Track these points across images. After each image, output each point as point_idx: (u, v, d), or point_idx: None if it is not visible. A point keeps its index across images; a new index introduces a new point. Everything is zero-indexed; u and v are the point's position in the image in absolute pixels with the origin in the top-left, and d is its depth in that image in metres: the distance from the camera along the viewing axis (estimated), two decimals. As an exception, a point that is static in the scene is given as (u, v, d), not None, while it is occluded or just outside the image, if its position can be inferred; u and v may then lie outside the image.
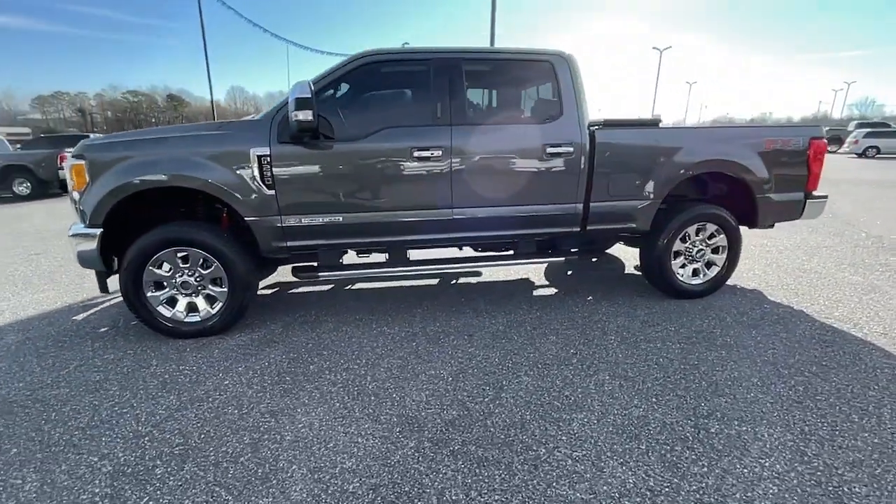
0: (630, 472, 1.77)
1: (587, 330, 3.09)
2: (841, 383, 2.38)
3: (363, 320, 3.29)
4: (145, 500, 1.66)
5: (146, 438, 2.01)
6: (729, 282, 3.98)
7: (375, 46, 3.28)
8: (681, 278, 3.59)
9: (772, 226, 3.87)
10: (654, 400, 2.26)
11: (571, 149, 3.13)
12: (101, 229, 2.77)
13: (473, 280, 4.20)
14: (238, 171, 2.80)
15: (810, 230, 6.02)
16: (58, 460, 1.87)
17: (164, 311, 2.93)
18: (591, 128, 3.22)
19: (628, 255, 4.87)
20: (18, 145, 13.09)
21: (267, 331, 3.13)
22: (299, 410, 2.21)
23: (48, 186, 11.29)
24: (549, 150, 3.11)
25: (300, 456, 1.89)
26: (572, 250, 3.64)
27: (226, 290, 2.97)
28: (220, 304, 2.99)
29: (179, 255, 2.88)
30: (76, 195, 2.81)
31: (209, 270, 2.93)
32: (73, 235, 2.81)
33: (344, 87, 3.13)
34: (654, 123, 3.45)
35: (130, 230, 2.92)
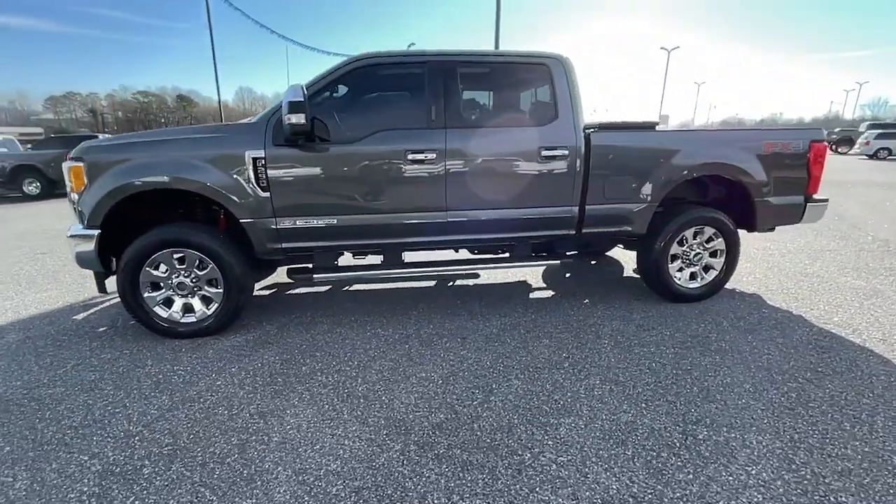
0: (614, 478, 1.76)
1: (581, 333, 3.08)
2: (835, 390, 2.35)
3: (358, 322, 3.31)
4: (131, 499, 1.69)
5: (136, 438, 2.03)
6: (728, 285, 3.95)
7: (376, 46, 3.30)
8: (678, 282, 3.57)
9: (772, 229, 3.84)
10: (643, 405, 2.24)
11: (566, 152, 3.12)
12: (99, 230, 2.81)
13: (471, 282, 4.20)
14: (233, 174, 2.83)
15: (815, 233, 5.95)
16: (49, 459, 1.90)
17: (161, 311, 2.97)
18: (587, 131, 3.21)
19: (628, 258, 4.84)
20: (29, 145, 13.28)
21: (262, 332, 3.16)
22: (288, 412, 2.22)
23: (57, 186, 11.45)
24: (544, 152, 3.11)
25: (286, 457, 1.90)
26: (568, 253, 3.63)
27: (221, 291, 2.99)
28: (216, 304, 3.02)
29: (176, 256, 2.91)
30: (75, 197, 2.85)
31: (205, 272, 2.96)
32: (72, 236, 2.85)
33: (339, 90, 3.15)
34: (650, 126, 3.43)
35: (128, 232, 2.96)
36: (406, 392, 2.39)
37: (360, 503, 1.66)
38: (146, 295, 2.92)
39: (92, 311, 3.59)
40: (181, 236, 2.86)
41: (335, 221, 2.99)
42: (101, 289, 3.08)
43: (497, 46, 16.96)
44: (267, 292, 4.01)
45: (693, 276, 3.62)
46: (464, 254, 3.75)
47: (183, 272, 2.95)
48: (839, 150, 27.75)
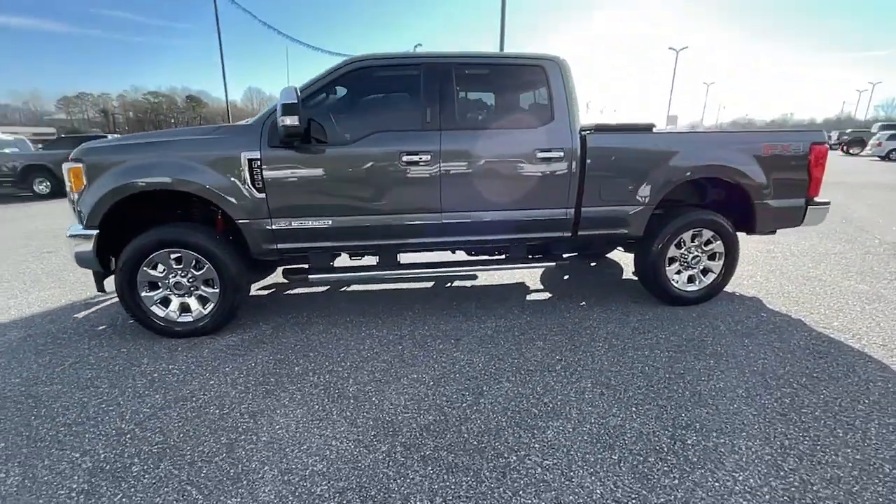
0: (599, 483, 1.76)
1: (576, 336, 3.06)
2: (830, 396, 2.32)
3: (353, 322, 3.32)
4: (119, 496, 1.71)
5: (128, 436, 2.06)
6: (728, 288, 3.92)
7: (376, 47, 3.32)
8: (676, 285, 3.54)
9: (773, 232, 3.80)
10: (633, 409, 2.23)
11: (562, 153, 3.11)
12: (98, 230, 2.85)
13: (468, 284, 4.20)
14: (229, 175, 2.86)
15: (820, 236, 5.87)
16: (41, 455, 1.93)
17: (158, 310, 3.00)
18: (583, 132, 3.20)
19: (628, 261, 4.81)
20: (40, 145, 13.50)
21: (258, 331, 3.19)
22: (278, 412, 2.24)
23: (67, 186, 11.62)
24: (540, 154, 3.10)
25: (273, 457, 1.92)
26: (565, 256, 3.62)
27: (218, 290, 3.02)
28: (212, 304, 3.05)
29: (173, 256, 2.94)
30: (75, 197, 2.90)
31: (201, 272, 2.99)
32: (71, 236, 2.89)
33: (335, 92, 3.17)
34: (646, 128, 3.41)
35: (127, 232, 2.99)
36: (396, 393, 2.40)
37: (343, 503, 1.67)
38: (144, 294, 2.96)
39: (93, 309, 3.64)
40: (178, 237, 2.89)
41: (330, 222, 3.01)
42: (100, 288, 3.13)
43: (502, 47, 16.94)
44: (265, 292, 4.04)
45: (691, 279, 3.59)
46: (461, 255, 3.76)
47: (180, 272, 2.99)
48: (851, 151, 27.33)
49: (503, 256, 3.56)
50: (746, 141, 3.39)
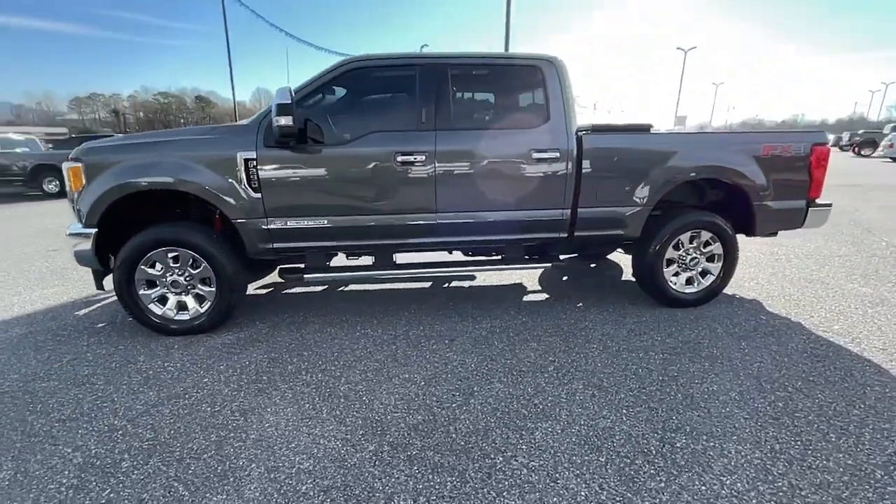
0: (584, 485, 1.75)
1: (570, 337, 3.05)
2: (825, 400, 2.28)
3: (349, 322, 3.33)
4: (107, 492, 1.73)
5: (120, 432, 2.09)
6: (729, 291, 3.88)
7: (376, 47, 3.33)
8: (673, 286, 3.51)
9: (774, 234, 3.76)
10: (624, 411, 2.22)
11: (558, 154, 3.10)
12: (96, 229, 2.89)
13: (466, 284, 4.20)
14: (226, 175, 2.88)
15: (826, 238, 5.79)
16: (34, 450, 1.96)
17: (155, 308, 3.04)
18: (579, 133, 3.19)
19: (627, 262, 4.76)
20: (50, 145, 13.70)
21: (254, 330, 3.21)
22: (269, 410, 2.26)
23: (76, 185, 11.78)
24: (536, 155, 3.09)
25: (261, 455, 1.93)
26: (564, 257, 3.61)
27: (214, 289, 3.05)
28: (209, 303, 3.08)
29: (170, 255, 2.98)
30: (74, 196, 2.94)
31: (198, 270, 3.02)
32: (70, 235, 2.93)
33: (332, 92, 3.18)
34: (644, 128, 3.38)
35: (125, 231, 3.03)
36: (387, 393, 2.40)
37: (327, 502, 1.68)
38: (141, 292, 3.00)
39: (94, 307, 3.69)
40: (175, 235, 2.92)
41: (325, 222, 3.02)
42: (99, 286, 3.17)
43: (507, 47, 16.92)
44: (263, 292, 4.07)
45: (689, 281, 3.56)
46: (458, 255, 3.75)
47: (177, 270, 3.02)
48: (862, 152, 26.92)
49: (500, 257, 3.55)
50: (745, 142, 3.36)
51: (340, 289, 4.09)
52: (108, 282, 3.16)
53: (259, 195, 2.92)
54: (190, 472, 1.83)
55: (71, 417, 2.20)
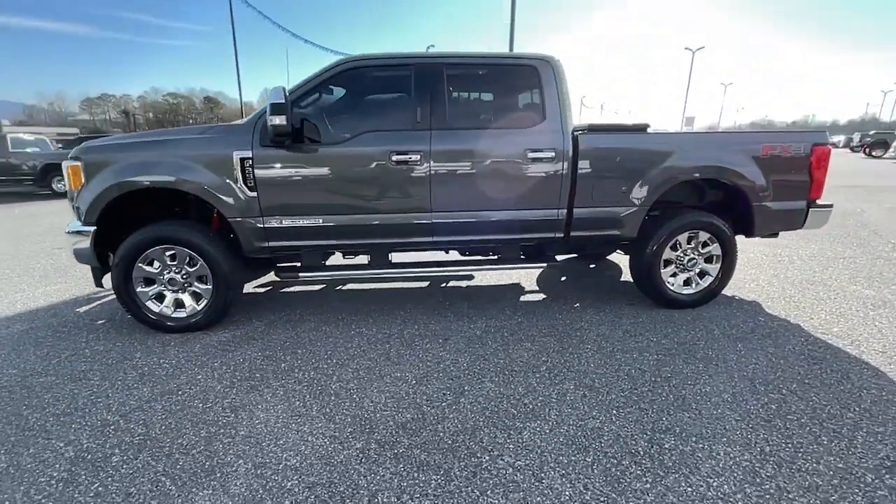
0: (568, 485, 1.74)
1: (565, 338, 3.04)
2: (819, 403, 2.26)
3: (344, 320, 3.35)
4: (96, 485, 1.75)
5: (112, 427, 2.11)
6: (729, 292, 3.85)
7: (377, 47, 3.34)
8: (671, 287, 3.49)
9: (775, 235, 3.72)
10: (614, 412, 2.21)
11: (553, 154, 3.09)
12: (95, 227, 2.93)
13: (463, 284, 4.19)
14: (222, 173, 2.91)
15: (832, 239, 5.72)
16: (28, 444, 1.99)
17: (153, 306, 3.07)
18: (575, 133, 3.17)
19: (627, 263, 4.75)
20: (60, 145, 13.90)
21: (250, 328, 3.23)
22: (260, 407, 2.27)
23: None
24: (531, 155, 3.09)
25: (249, 451, 1.94)
26: (563, 257, 3.59)
27: (210, 287, 3.08)
28: (205, 300, 3.11)
29: (167, 253, 3.01)
30: (73, 194, 2.98)
31: (195, 268, 3.05)
32: (70, 233, 2.98)
33: (327, 92, 3.20)
34: (641, 128, 3.36)
35: (125, 228, 3.06)
36: (378, 391, 2.41)
37: (311, 498, 1.69)
38: (139, 290, 3.03)
39: (95, 304, 3.74)
40: (171, 233, 2.95)
41: (320, 221, 3.04)
42: (98, 283, 3.21)
43: (511, 47, 16.89)
44: (261, 290, 4.09)
45: (687, 282, 3.53)
46: (454, 255, 3.75)
47: (174, 268, 3.05)
48: (873, 153, 26.55)
49: (495, 257, 3.55)
50: (744, 142, 3.33)
51: (338, 288, 4.11)
52: (109, 279, 3.20)
53: (255, 194, 2.94)
54: (178, 467, 1.85)
55: (65, 412, 2.23)
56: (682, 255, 3.46)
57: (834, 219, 6.89)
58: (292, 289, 4.10)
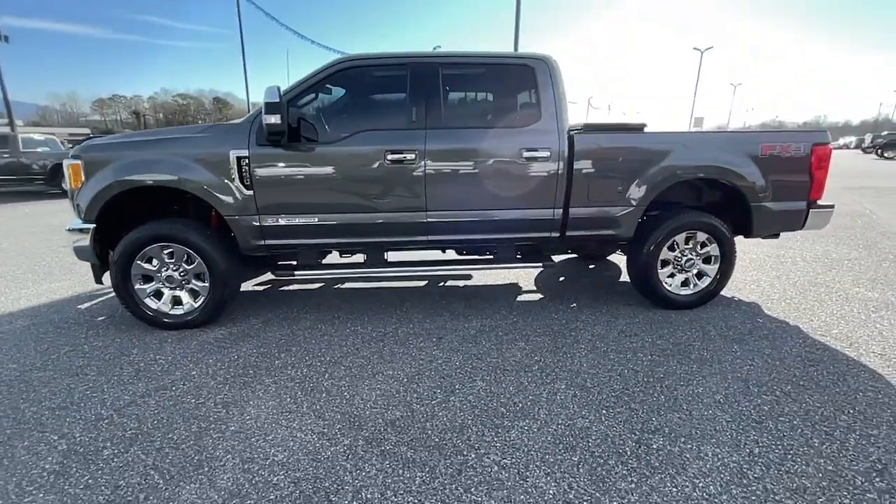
0: (553, 483, 1.74)
1: (559, 338, 3.03)
2: (812, 405, 2.23)
3: (340, 319, 3.37)
4: (86, 478, 1.78)
5: (105, 421, 2.14)
6: (728, 293, 3.82)
7: (377, 46, 3.35)
8: (668, 288, 3.46)
9: (776, 236, 3.68)
10: (603, 412, 2.20)
11: (549, 153, 3.09)
12: (95, 225, 2.97)
13: (461, 283, 4.20)
14: (219, 172, 2.94)
15: (837, 241, 5.64)
16: (23, 436, 2.03)
17: (151, 303, 3.11)
18: (571, 132, 3.17)
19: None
20: (70, 145, 14.10)
21: (247, 325, 3.26)
22: (251, 403, 2.29)
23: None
24: (526, 154, 3.08)
25: (238, 446, 1.96)
26: (562, 257, 3.58)
27: (207, 285, 3.11)
28: (203, 298, 3.14)
29: (166, 251, 3.04)
30: (74, 193, 3.02)
31: (192, 266, 3.09)
32: (70, 230, 3.02)
33: (324, 91, 3.22)
34: (638, 128, 3.35)
35: (125, 226, 3.11)
36: (369, 389, 2.42)
37: (296, 493, 1.70)
38: (137, 287, 3.07)
39: (96, 301, 3.79)
40: (169, 231, 2.99)
41: (316, 220, 3.06)
42: (98, 280, 3.25)
43: (517, 46, 16.86)
44: (260, 288, 4.13)
45: (685, 283, 3.51)
46: (452, 254, 3.76)
47: (172, 266, 3.08)
48: (886, 154, 26.13)
49: (491, 256, 3.54)
50: (743, 141, 3.30)
51: (336, 286, 4.13)
52: (108, 277, 3.24)
53: (251, 192, 2.97)
54: (167, 461, 1.87)
55: (61, 406, 2.26)
56: (679, 255, 3.44)
57: (842, 220, 6.84)
58: (291, 287, 4.13)
